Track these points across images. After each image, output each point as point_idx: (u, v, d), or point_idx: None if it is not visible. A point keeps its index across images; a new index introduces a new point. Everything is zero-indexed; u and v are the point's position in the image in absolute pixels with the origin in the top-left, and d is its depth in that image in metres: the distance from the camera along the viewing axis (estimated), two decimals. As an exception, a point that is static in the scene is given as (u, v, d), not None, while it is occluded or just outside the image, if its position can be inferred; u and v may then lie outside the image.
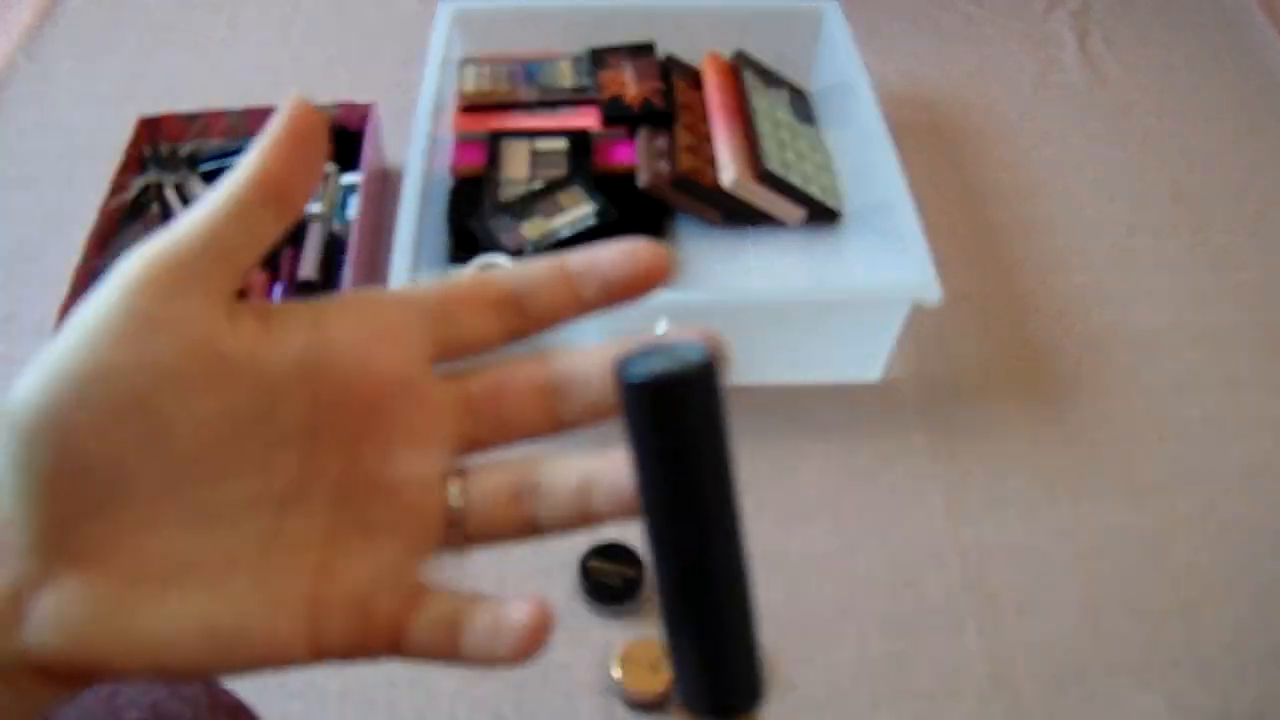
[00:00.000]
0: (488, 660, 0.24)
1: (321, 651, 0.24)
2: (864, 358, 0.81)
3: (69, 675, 0.23)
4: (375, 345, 0.25)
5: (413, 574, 0.25)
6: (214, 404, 0.23)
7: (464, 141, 0.92)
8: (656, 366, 0.24)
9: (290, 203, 0.24)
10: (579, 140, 0.92)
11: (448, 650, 0.25)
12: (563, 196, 0.86)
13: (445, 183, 0.90)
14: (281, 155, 0.24)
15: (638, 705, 0.62)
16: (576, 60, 0.99)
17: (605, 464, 0.26)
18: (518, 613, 0.24)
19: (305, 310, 0.25)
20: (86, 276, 0.79)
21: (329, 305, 0.25)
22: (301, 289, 0.82)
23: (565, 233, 0.82)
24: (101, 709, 0.41)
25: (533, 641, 0.24)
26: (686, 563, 0.24)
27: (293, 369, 0.24)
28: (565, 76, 0.98)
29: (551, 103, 0.95)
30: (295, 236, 0.86)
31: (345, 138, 0.94)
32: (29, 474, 0.22)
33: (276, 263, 0.83)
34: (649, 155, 0.89)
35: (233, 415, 0.23)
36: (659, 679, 0.61)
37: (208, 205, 0.23)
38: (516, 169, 0.90)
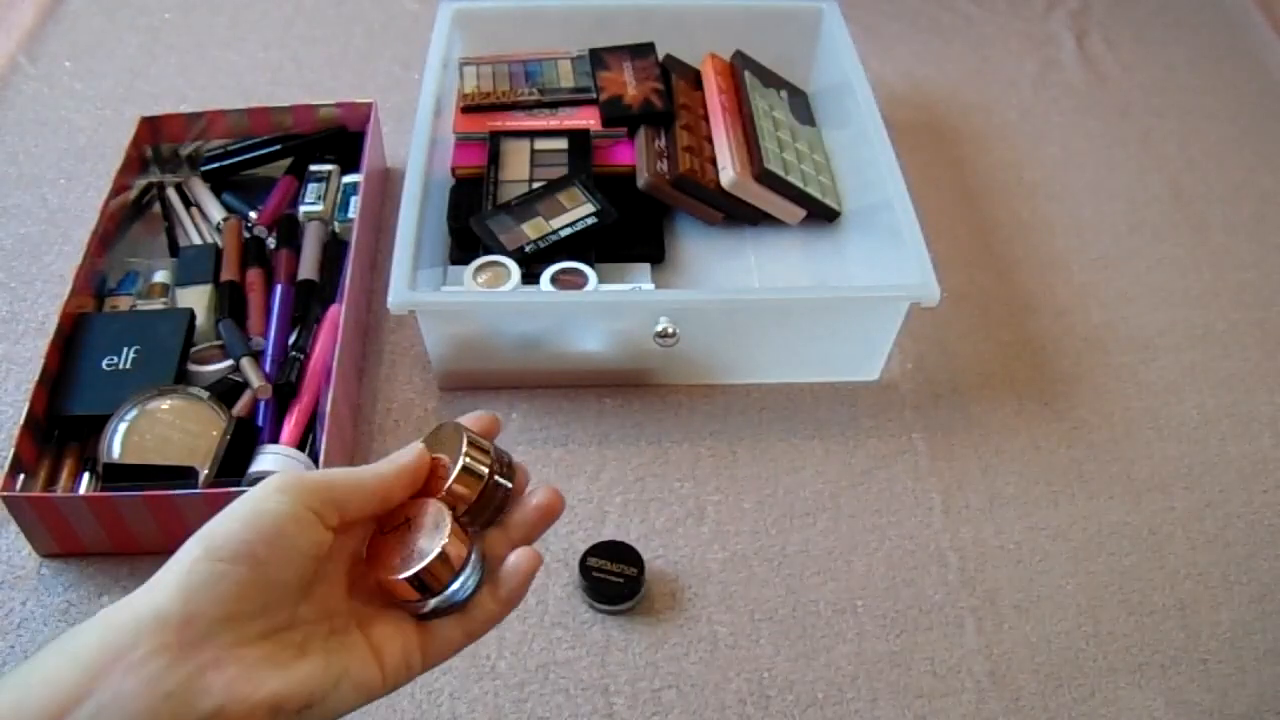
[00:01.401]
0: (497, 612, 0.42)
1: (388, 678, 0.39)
2: (863, 357, 0.81)
3: None
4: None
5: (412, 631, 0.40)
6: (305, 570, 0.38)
7: (464, 141, 0.92)
8: None
9: (387, 505, 0.41)
10: (579, 140, 0.92)
11: (464, 638, 0.41)
12: (563, 196, 0.86)
13: (445, 183, 0.90)
14: (402, 486, 0.40)
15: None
16: (576, 60, 0.99)
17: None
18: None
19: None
20: (87, 276, 0.79)
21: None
22: (301, 288, 0.82)
23: (565, 233, 0.82)
24: None
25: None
26: None
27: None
28: (565, 77, 0.98)
29: (551, 103, 0.95)
30: (294, 237, 0.86)
31: (345, 138, 0.94)
32: (231, 585, 0.35)
33: (275, 263, 0.84)
34: (649, 155, 0.89)
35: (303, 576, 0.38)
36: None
37: (353, 474, 0.40)
38: (516, 169, 0.90)
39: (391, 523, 0.40)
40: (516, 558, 0.41)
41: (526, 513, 0.43)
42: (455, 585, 0.40)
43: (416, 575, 0.39)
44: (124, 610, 0.34)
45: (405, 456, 0.41)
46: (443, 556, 0.39)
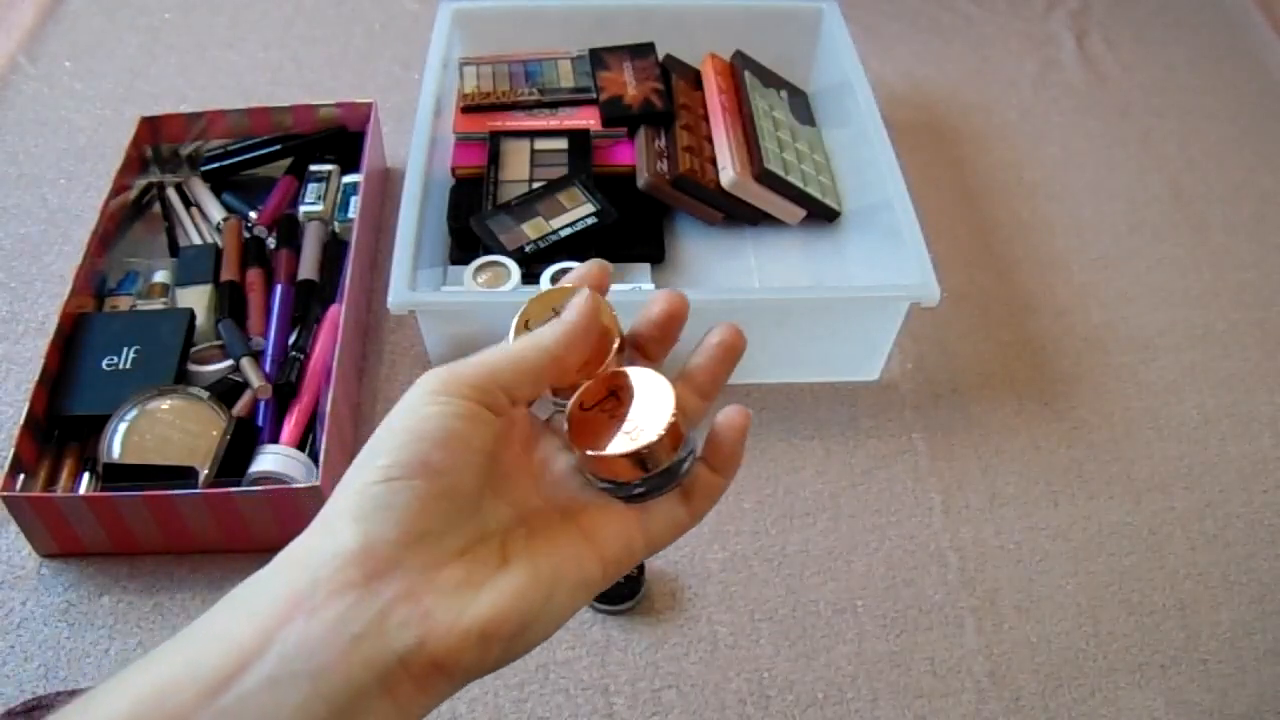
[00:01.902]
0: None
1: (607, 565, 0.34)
2: (863, 357, 0.81)
3: (430, 675, 0.30)
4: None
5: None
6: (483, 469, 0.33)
7: (464, 141, 0.92)
8: None
9: (566, 374, 0.36)
10: (579, 140, 0.92)
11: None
12: (563, 196, 0.86)
13: (445, 183, 0.90)
14: (576, 354, 0.35)
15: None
16: (576, 60, 0.99)
17: None
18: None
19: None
20: (87, 276, 0.79)
21: None
22: (301, 288, 0.82)
23: (565, 233, 0.82)
24: None
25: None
26: None
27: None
28: (565, 77, 0.98)
29: (551, 103, 0.95)
30: (294, 237, 0.86)
31: (345, 138, 0.94)
32: (410, 502, 0.31)
33: (275, 263, 0.84)
34: (649, 155, 0.89)
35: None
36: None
37: (514, 353, 0.35)
38: (516, 169, 0.90)
39: (594, 397, 0.36)
40: (728, 416, 0.36)
41: (709, 353, 0.37)
42: (681, 455, 0.35)
43: (642, 451, 0.33)
44: (297, 551, 0.31)
45: (571, 317, 0.35)
46: (672, 428, 0.34)
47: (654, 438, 0.33)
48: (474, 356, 0.34)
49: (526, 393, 0.35)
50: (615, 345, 0.36)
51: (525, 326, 0.36)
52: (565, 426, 0.35)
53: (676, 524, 0.36)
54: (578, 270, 0.38)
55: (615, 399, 0.35)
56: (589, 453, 0.34)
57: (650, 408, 0.34)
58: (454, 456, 0.31)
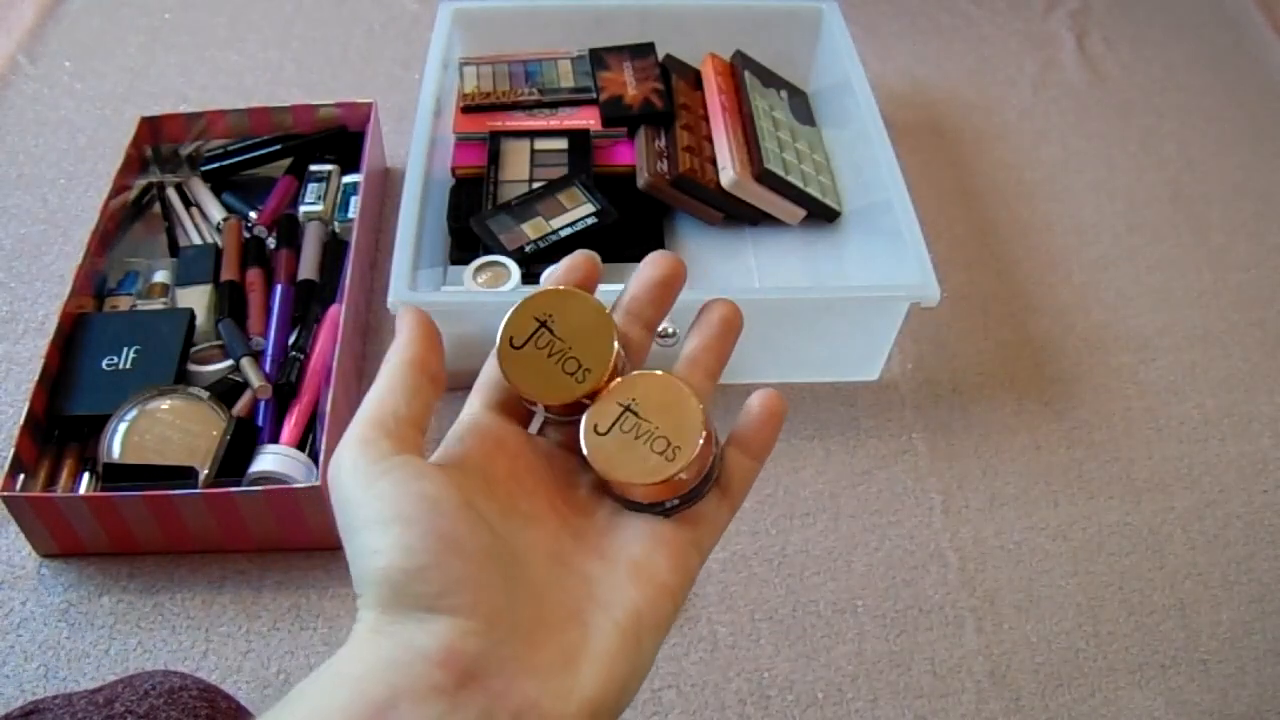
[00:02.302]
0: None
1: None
2: (862, 357, 0.81)
3: None
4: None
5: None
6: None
7: (464, 142, 0.92)
8: None
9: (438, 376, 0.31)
10: (579, 140, 0.92)
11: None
12: (563, 196, 0.86)
13: (445, 183, 0.90)
14: (421, 341, 0.31)
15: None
16: (576, 60, 0.99)
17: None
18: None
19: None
20: (87, 276, 0.79)
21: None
22: (301, 288, 0.82)
23: (565, 233, 0.82)
24: (97, 715, 0.41)
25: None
26: None
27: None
28: (565, 77, 0.98)
29: (551, 103, 0.95)
30: (295, 237, 0.86)
31: (345, 138, 0.94)
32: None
33: (275, 263, 0.84)
34: (649, 155, 0.89)
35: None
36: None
37: (385, 385, 0.30)
38: (516, 169, 0.90)
39: (609, 417, 0.31)
40: (765, 403, 0.33)
41: (710, 330, 0.34)
42: (714, 454, 0.32)
43: (681, 474, 0.30)
44: (347, 667, 0.26)
45: (401, 324, 0.32)
46: (708, 437, 0.31)
47: (693, 454, 0.30)
48: (360, 409, 0.30)
49: (415, 411, 0.30)
50: (615, 354, 0.32)
51: (510, 344, 0.32)
52: (584, 451, 0.32)
53: (720, 523, 0.33)
54: (563, 264, 0.35)
55: (633, 414, 0.32)
56: (626, 482, 0.31)
57: (674, 418, 0.31)
58: (449, 516, 0.27)
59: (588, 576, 0.30)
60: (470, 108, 0.94)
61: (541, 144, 0.92)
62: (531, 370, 0.32)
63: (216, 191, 0.91)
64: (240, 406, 0.73)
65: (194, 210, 0.90)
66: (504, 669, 0.25)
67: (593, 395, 0.32)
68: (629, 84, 0.96)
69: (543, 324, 0.32)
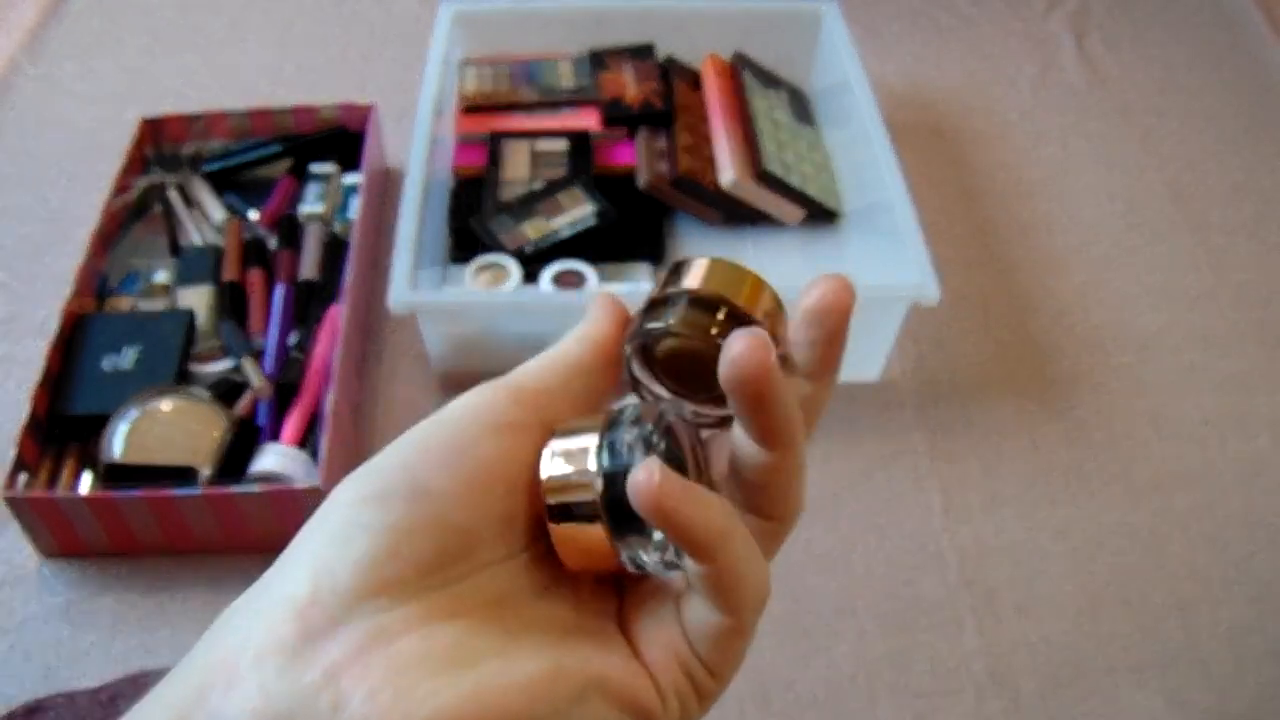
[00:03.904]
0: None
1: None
2: (862, 357, 0.81)
3: None
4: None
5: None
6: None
7: (464, 142, 0.93)
8: None
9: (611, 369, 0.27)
10: (579, 141, 0.92)
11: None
12: (563, 197, 0.86)
13: (446, 183, 0.90)
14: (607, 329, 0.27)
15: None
16: (576, 61, 1.00)
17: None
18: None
19: None
20: (88, 277, 0.79)
21: None
22: (301, 288, 0.82)
23: (565, 233, 0.83)
24: (100, 713, 0.41)
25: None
26: None
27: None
28: (565, 77, 0.98)
29: (552, 103, 0.95)
30: (295, 237, 0.86)
31: (346, 138, 0.94)
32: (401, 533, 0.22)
33: (276, 263, 0.84)
34: (649, 156, 0.89)
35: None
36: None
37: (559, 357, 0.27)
38: (517, 169, 0.90)
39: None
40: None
41: (813, 327, 0.26)
42: None
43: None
44: (255, 593, 0.23)
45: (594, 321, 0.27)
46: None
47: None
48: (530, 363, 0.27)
49: (558, 407, 0.26)
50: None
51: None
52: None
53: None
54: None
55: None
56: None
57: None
58: (457, 473, 0.23)
59: (580, 598, 0.25)
60: (471, 108, 0.94)
61: (542, 144, 0.92)
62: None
63: (217, 192, 0.91)
64: (241, 406, 0.73)
65: (195, 210, 0.90)
66: (355, 638, 0.21)
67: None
68: (629, 84, 0.96)
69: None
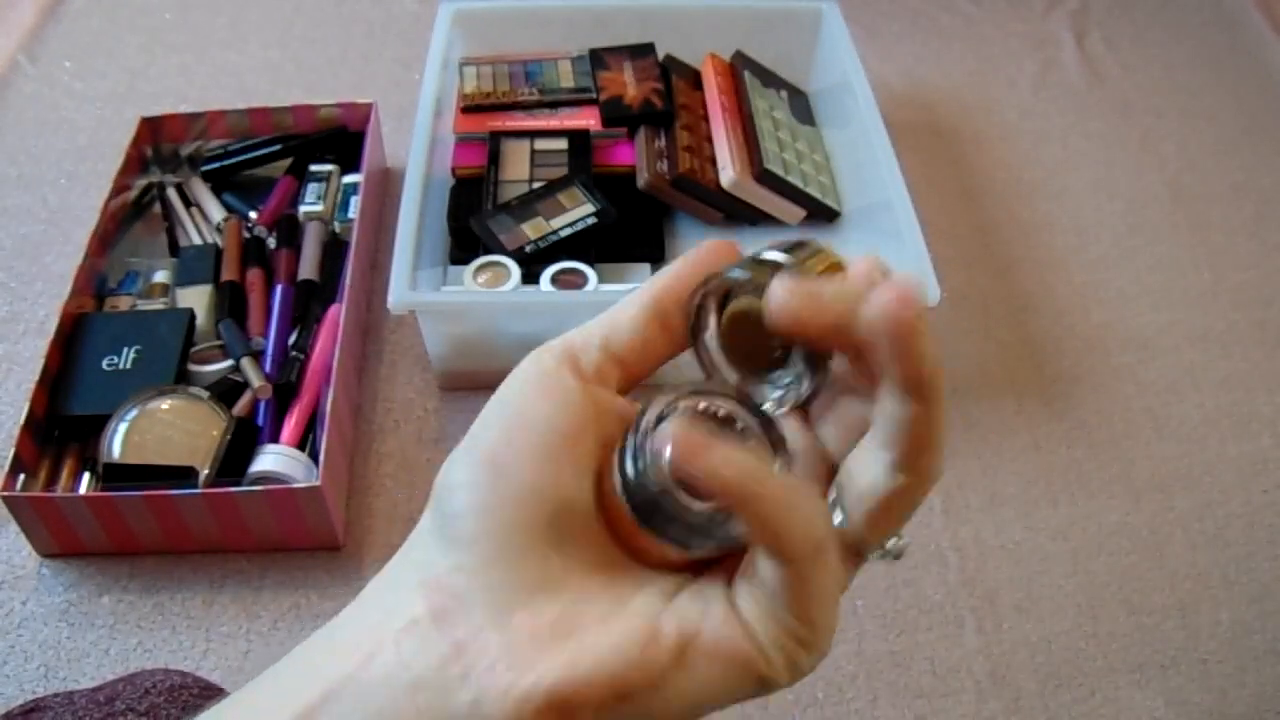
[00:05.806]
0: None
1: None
2: (863, 357, 0.81)
3: None
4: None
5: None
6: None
7: (464, 142, 0.92)
8: None
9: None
10: (579, 140, 0.92)
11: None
12: (563, 196, 0.86)
13: (445, 183, 0.90)
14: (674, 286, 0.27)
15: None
16: (576, 61, 0.99)
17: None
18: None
19: None
20: (88, 276, 0.79)
21: None
22: (301, 288, 0.82)
23: (565, 233, 0.82)
24: (98, 713, 0.41)
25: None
26: None
27: None
28: (565, 77, 0.98)
29: (551, 103, 0.95)
30: (295, 237, 0.86)
31: (345, 138, 0.94)
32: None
33: (275, 263, 0.84)
34: (648, 155, 0.89)
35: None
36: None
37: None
38: (516, 169, 0.90)
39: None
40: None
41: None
42: None
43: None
44: (394, 567, 0.25)
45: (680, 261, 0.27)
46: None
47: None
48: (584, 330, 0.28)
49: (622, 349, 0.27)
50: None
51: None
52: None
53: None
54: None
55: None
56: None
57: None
58: (560, 459, 0.24)
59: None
60: (470, 108, 0.94)
61: (541, 144, 0.92)
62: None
63: (217, 191, 0.91)
64: (240, 406, 0.73)
65: (194, 210, 0.90)
66: (479, 615, 0.23)
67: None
68: (629, 84, 0.96)
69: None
